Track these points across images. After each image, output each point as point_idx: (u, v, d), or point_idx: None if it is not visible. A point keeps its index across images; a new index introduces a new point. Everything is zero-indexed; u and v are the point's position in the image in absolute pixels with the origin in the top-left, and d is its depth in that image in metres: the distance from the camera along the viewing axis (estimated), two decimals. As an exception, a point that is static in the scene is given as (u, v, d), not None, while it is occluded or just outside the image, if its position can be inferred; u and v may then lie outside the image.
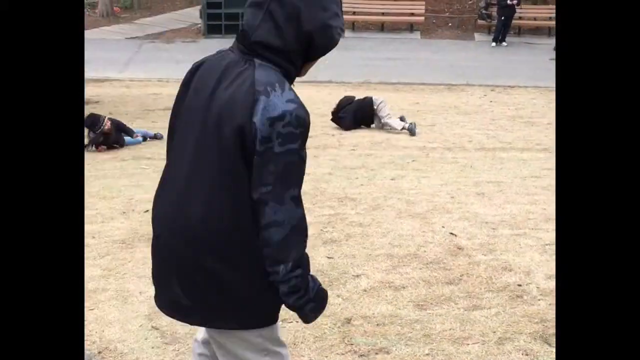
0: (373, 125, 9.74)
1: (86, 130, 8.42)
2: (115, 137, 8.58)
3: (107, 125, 8.48)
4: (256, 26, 1.86)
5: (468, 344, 3.26)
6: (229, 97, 1.84)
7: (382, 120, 9.53)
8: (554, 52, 13.71)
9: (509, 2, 18.39)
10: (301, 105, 1.84)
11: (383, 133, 9.28)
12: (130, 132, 8.78)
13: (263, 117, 1.77)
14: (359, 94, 10.46)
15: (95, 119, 8.49)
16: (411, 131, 9.20)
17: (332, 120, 9.81)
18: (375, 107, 9.58)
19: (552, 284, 3.94)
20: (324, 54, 1.95)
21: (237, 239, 1.88)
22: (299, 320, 2.14)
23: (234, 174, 1.84)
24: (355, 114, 9.61)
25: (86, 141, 8.40)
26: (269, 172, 1.80)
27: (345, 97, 9.99)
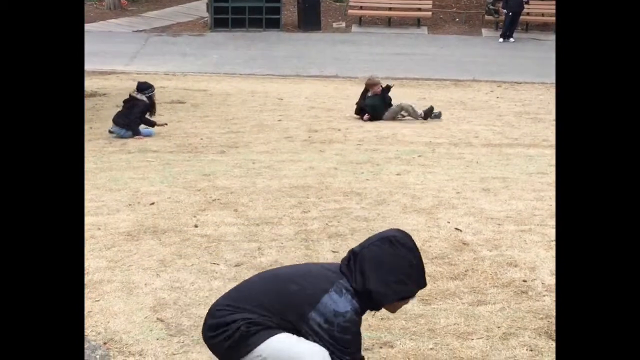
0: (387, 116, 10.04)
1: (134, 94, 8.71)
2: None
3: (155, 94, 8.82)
4: (346, 265, 2.52)
5: (472, 339, 3.26)
6: (321, 270, 2.56)
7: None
8: None
9: None
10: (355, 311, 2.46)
11: (389, 128, 9.27)
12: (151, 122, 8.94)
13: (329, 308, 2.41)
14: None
15: (148, 84, 8.86)
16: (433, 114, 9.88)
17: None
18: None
19: (557, 280, 3.94)
20: (379, 307, 2.55)
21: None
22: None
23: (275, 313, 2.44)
24: (374, 108, 9.96)
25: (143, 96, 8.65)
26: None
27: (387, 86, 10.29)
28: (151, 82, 9.30)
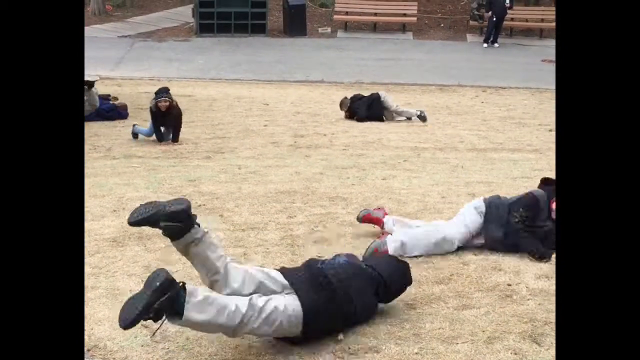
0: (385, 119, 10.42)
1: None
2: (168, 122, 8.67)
3: (163, 102, 8.40)
4: None
5: (457, 343, 3.27)
6: None
7: (393, 109, 10.35)
8: None
9: None
10: None
11: (375, 133, 9.30)
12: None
13: None
14: (351, 95, 10.66)
15: (159, 89, 8.63)
16: (423, 118, 10.16)
17: (347, 114, 10.46)
18: (382, 101, 10.35)
19: (541, 283, 3.96)
20: None
21: None
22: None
23: None
24: (369, 107, 10.29)
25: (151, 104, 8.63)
26: None
27: (355, 94, 10.80)
28: (136, 87, 9.25)
